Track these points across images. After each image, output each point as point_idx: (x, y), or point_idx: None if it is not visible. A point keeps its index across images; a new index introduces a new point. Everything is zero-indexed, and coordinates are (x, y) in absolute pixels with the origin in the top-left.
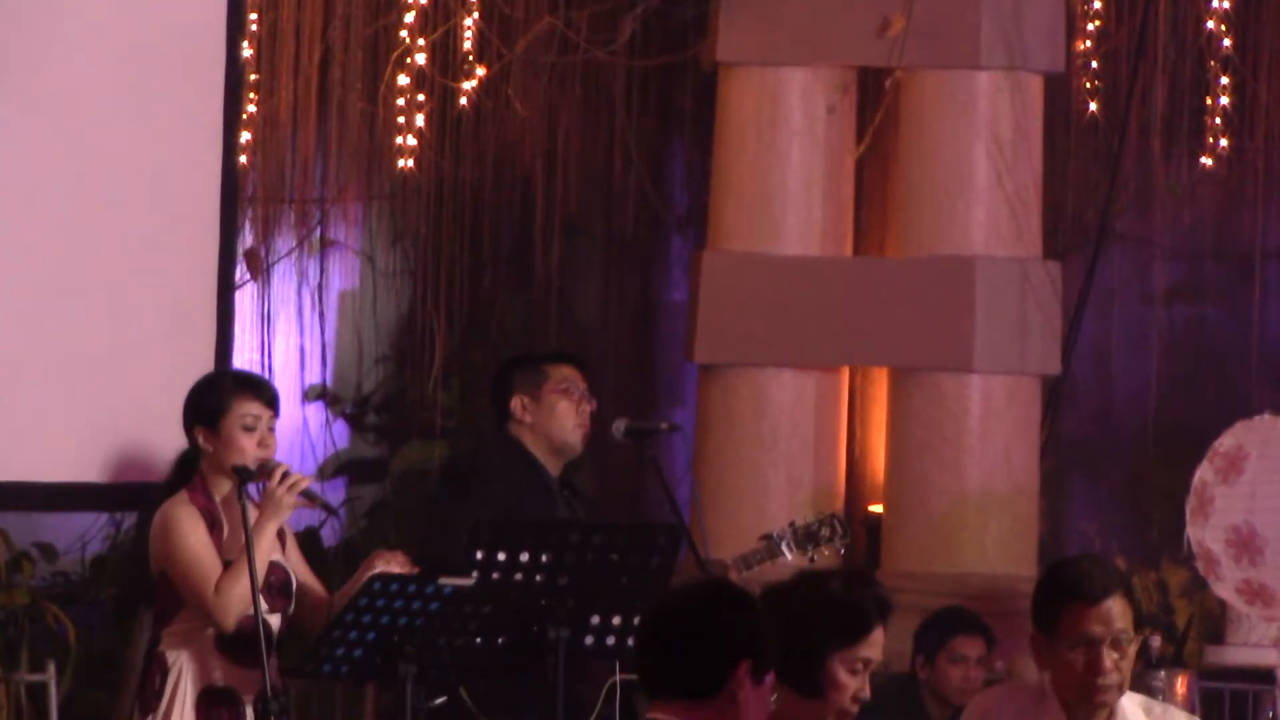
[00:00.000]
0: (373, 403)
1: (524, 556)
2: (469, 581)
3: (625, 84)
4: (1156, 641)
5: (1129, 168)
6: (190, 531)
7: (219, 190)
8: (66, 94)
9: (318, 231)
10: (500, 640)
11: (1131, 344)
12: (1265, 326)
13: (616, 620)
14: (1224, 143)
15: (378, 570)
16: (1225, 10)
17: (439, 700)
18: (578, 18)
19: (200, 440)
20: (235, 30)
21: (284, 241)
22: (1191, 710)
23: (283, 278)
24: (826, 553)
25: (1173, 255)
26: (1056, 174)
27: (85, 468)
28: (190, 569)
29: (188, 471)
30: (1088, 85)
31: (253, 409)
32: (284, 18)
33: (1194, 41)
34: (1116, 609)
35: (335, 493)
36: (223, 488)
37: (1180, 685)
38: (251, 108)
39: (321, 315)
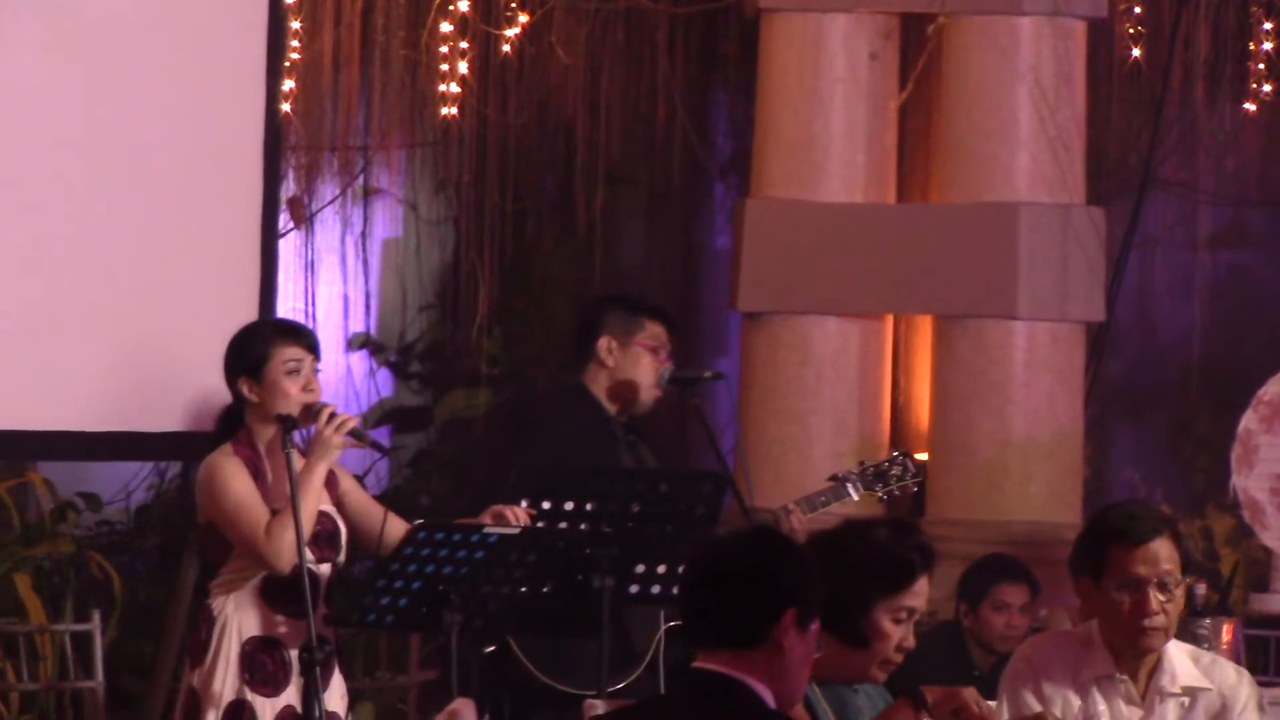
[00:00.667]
0: (416, 351)
1: (569, 505)
2: (514, 530)
3: (668, 30)
4: (1201, 589)
5: (1172, 113)
6: (234, 478)
7: (262, 138)
8: (108, 40)
9: (361, 179)
10: (545, 589)
11: (1175, 290)
12: None
13: (661, 569)
14: (1267, 88)
15: (491, 518)
16: None
17: (488, 649)
18: None
19: (245, 391)
20: None
21: (328, 189)
22: (1236, 658)
23: (326, 226)
24: (897, 492)
25: (1216, 201)
26: (1099, 120)
27: (128, 417)
28: (238, 515)
29: (233, 425)
30: (1130, 31)
31: (294, 353)
32: None
33: None
34: (1163, 551)
35: (379, 441)
36: (267, 437)
37: (1225, 633)
38: (295, 55)
39: (365, 263)
